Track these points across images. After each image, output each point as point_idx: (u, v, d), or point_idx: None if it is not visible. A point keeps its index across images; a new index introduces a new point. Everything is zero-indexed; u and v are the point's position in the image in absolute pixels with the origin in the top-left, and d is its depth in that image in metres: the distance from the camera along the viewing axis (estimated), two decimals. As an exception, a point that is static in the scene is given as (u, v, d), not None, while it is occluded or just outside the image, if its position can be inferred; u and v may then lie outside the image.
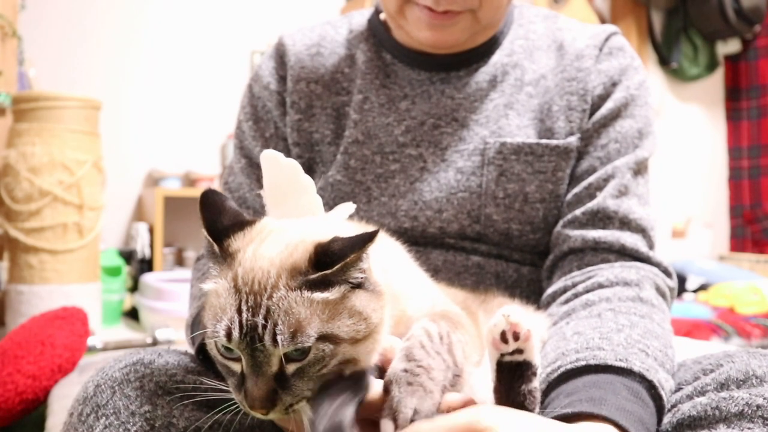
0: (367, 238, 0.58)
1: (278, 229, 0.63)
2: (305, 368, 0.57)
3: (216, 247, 0.62)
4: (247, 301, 0.57)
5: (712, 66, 4.19)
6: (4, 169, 2.13)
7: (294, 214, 0.68)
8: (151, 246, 2.81)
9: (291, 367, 0.57)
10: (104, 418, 0.66)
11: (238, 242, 0.62)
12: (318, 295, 0.57)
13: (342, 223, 0.70)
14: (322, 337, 0.57)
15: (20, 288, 2.10)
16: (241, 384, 0.58)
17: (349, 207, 0.72)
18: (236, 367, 0.59)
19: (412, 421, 0.57)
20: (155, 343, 2.00)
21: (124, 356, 0.73)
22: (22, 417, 1.38)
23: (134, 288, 2.67)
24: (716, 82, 4.36)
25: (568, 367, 0.72)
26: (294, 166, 0.68)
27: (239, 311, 0.57)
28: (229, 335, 0.56)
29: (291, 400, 0.57)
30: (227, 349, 0.58)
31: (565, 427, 0.62)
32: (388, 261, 0.70)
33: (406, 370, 0.60)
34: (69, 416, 0.70)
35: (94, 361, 1.51)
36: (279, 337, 0.55)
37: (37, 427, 1.33)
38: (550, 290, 0.92)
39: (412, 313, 0.69)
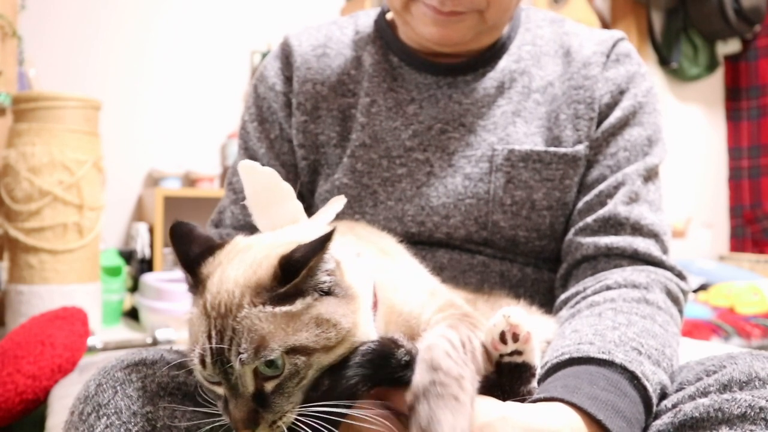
0: (326, 239, 0.57)
1: (246, 246, 0.63)
2: (283, 384, 0.57)
3: (189, 278, 0.63)
4: (215, 326, 0.57)
5: (712, 66, 4.18)
6: (4, 169, 2.12)
7: (278, 222, 0.68)
8: (151, 246, 2.80)
9: (269, 385, 0.57)
10: (105, 417, 0.66)
11: (208, 268, 0.62)
12: (280, 309, 0.57)
13: (320, 227, 0.69)
14: (292, 350, 0.56)
15: (20, 288, 2.09)
16: (226, 406, 0.59)
17: (338, 203, 0.72)
18: (220, 390, 0.59)
19: None
20: (155, 343, 1.99)
21: (126, 356, 0.73)
22: (22, 417, 1.37)
23: (134, 288, 2.66)
24: (716, 82, 4.35)
25: (554, 361, 0.72)
26: (272, 174, 0.68)
27: (209, 337, 0.57)
28: (203, 362, 0.57)
29: (273, 417, 0.57)
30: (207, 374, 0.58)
31: (518, 406, 0.63)
32: (368, 252, 0.70)
33: (434, 382, 0.57)
34: (70, 415, 0.71)
35: (94, 361, 1.51)
36: (242, 356, 0.55)
37: (37, 427, 1.33)
38: (563, 296, 0.92)
39: (402, 308, 0.68)
